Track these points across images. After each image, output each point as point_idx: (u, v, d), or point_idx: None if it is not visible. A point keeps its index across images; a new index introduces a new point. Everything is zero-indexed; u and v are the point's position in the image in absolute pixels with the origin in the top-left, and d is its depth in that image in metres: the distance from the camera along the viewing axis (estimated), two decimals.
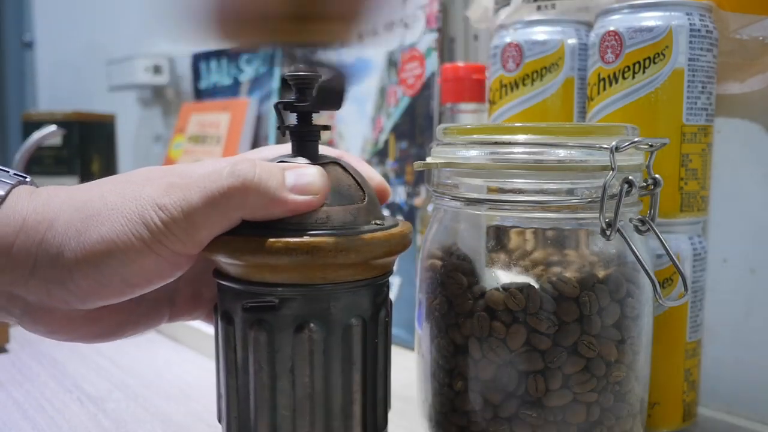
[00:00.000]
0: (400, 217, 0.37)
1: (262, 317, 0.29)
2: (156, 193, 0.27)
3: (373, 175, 0.33)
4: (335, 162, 0.31)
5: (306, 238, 0.28)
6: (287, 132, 0.31)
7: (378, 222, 0.30)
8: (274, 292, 0.28)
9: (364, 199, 0.30)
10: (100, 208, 0.28)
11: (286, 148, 0.32)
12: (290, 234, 0.28)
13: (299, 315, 0.29)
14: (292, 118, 0.31)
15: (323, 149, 0.32)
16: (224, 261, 0.29)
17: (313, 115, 0.31)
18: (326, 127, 0.32)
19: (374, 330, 0.30)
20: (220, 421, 0.32)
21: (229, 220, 0.28)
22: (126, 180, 0.30)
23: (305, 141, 0.31)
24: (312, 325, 0.29)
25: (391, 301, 0.32)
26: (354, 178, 0.31)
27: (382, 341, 0.31)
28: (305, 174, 0.29)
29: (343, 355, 0.29)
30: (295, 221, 0.28)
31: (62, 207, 0.28)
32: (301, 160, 0.30)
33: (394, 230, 0.30)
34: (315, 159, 0.31)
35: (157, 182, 0.28)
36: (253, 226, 0.28)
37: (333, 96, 0.30)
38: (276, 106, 0.31)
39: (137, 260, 0.27)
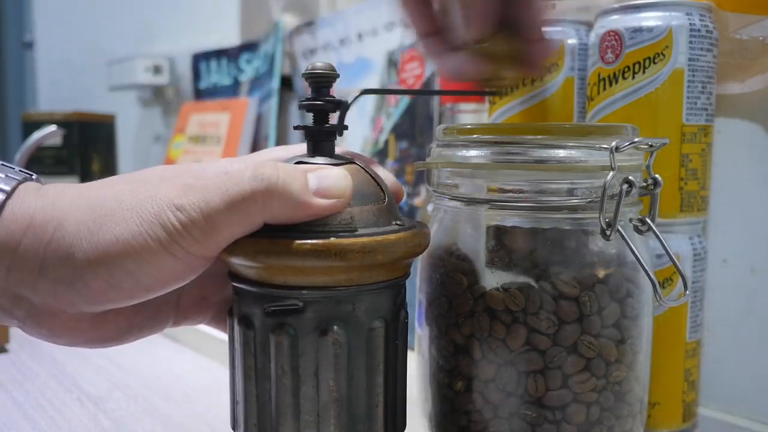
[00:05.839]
0: None
1: (285, 321, 0.28)
2: (173, 194, 0.27)
3: (387, 175, 0.32)
4: (353, 162, 0.30)
5: (333, 240, 0.27)
6: (303, 132, 0.31)
7: (398, 222, 0.30)
8: (298, 295, 0.28)
9: (385, 199, 0.30)
10: (114, 208, 0.27)
11: (300, 148, 0.32)
12: (315, 236, 0.27)
13: (324, 318, 0.28)
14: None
15: (337, 149, 0.31)
16: (244, 264, 0.28)
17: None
18: (345, 127, 0.31)
19: (395, 331, 0.30)
20: (234, 428, 0.31)
21: (250, 224, 0.27)
22: (140, 179, 0.29)
23: (322, 141, 0.30)
24: (336, 327, 0.28)
25: (407, 302, 0.32)
26: (373, 178, 0.30)
27: (402, 342, 0.31)
28: (328, 176, 0.28)
29: (367, 357, 0.29)
30: (319, 222, 0.28)
31: (72, 206, 0.27)
32: (321, 161, 0.30)
33: (416, 230, 0.29)
34: (332, 159, 0.30)
35: (173, 182, 0.28)
36: (273, 228, 0.27)
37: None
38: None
39: (152, 262, 0.26)
